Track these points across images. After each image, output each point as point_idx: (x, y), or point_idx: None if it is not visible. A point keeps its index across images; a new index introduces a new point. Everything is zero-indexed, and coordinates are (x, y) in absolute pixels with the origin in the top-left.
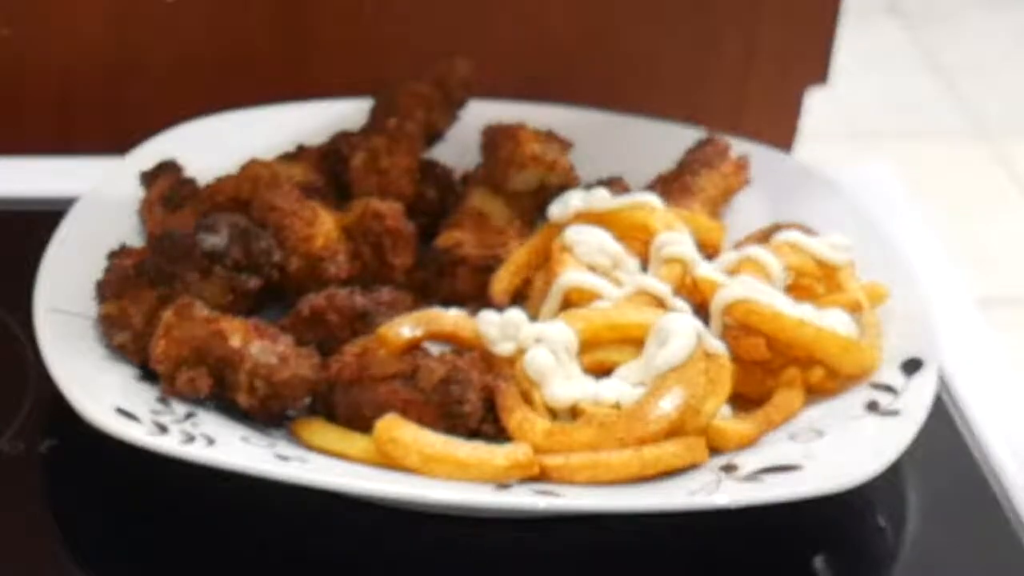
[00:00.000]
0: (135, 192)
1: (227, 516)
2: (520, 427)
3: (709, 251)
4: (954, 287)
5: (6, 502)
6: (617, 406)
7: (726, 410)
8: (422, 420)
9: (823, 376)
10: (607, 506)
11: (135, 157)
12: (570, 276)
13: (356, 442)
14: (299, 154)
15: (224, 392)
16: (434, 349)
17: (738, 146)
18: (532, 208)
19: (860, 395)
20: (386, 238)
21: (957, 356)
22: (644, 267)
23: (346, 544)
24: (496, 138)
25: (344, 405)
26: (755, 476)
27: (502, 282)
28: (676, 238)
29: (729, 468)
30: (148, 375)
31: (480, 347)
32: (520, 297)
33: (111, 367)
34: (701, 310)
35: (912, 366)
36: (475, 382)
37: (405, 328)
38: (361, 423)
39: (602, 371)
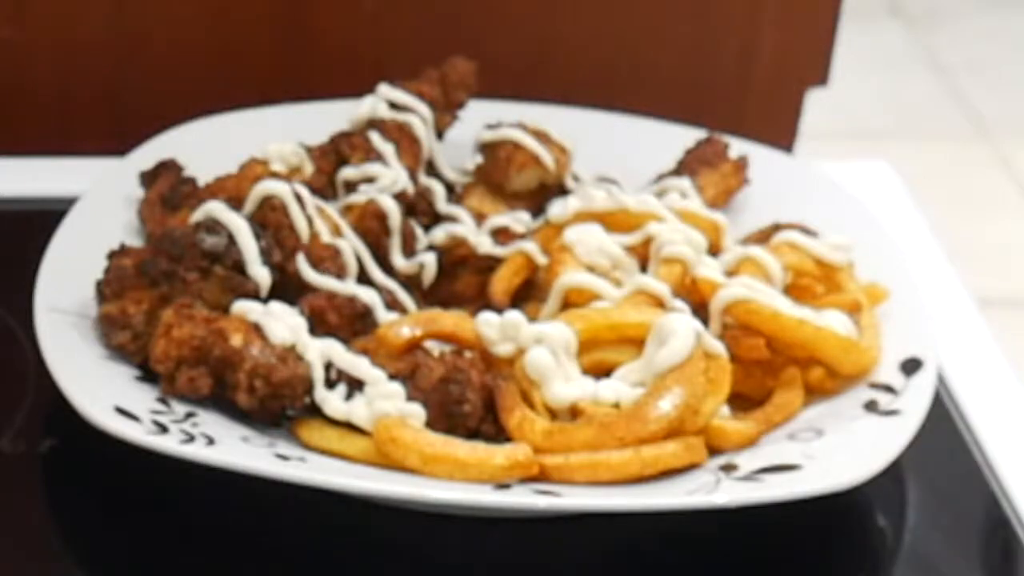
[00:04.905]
0: (135, 192)
1: (227, 516)
2: (520, 427)
3: (709, 251)
4: (954, 287)
5: (6, 502)
6: (617, 406)
7: (725, 410)
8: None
9: (823, 376)
10: (607, 506)
11: (135, 157)
12: (570, 276)
13: (356, 442)
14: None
15: (224, 392)
16: (435, 349)
17: (738, 146)
18: (532, 208)
19: (860, 395)
20: (386, 238)
21: (957, 356)
22: (644, 267)
23: (346, 544)
24: (496, 138)
25: None
26: (754, 476)
27: (502, 282)
28: (676, 238)
29: (728, 468)
30: (148, 375)
31: (480, 347)
32: (519, 298)
33: (111, 367)
34: (701, 310)
35: (911, 366)
36: (475, 382)
37: (405, 328)
38: None
39: (602, 371)
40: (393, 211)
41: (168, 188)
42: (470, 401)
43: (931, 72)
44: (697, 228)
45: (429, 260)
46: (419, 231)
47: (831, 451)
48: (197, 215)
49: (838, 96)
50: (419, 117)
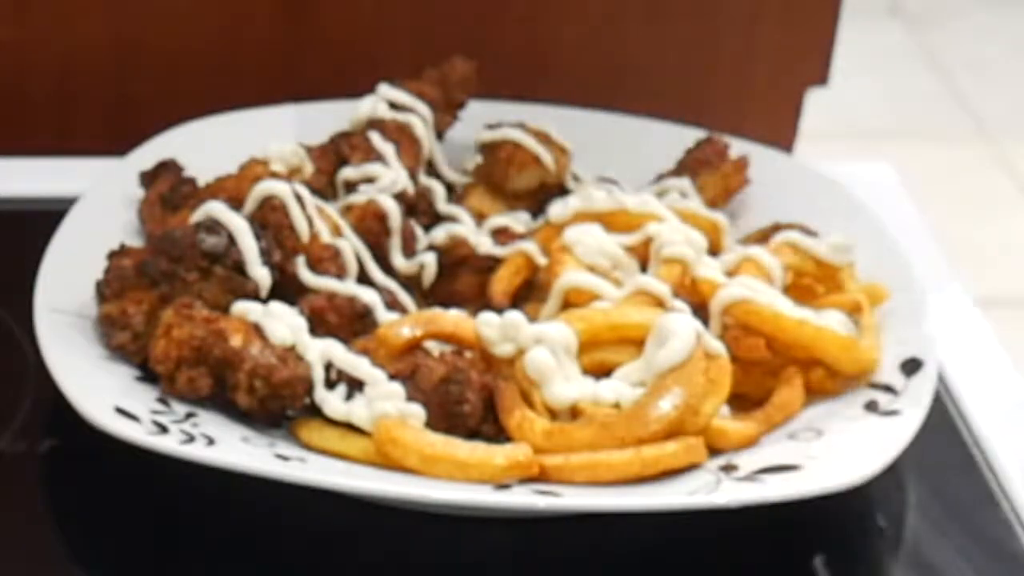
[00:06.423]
0: (135, 192)
1: (227, 516)
2: (520, 427)
3: (709, 251)
4: (954, 287)
5: (6, 502)
6: (617, 406)
7: (725, 410)
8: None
9: (823, 376)
10: (607, 506)
11: (135, 157)
12: (570, 276)
13: (356, 442)
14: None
15: (224, 392)
16: (435, 349)
17: (738, 146)
18: (532, 208)
19: (860, 395)
20: (386, 238)
21: (957, 356)
22: (644, 267)
23: (346, 544)
24: (496, 138)
25: None
26: (755, 476)
27: (502, 282)
28: (676, 238)
29: (729, 468)
30: (148, 375)
31: (480, 347)
32: (519, 298)
33: (111, 367)
34: (701, 310)
35: (912, 366)
36: (475, 382)
37: (405, 328)
38: None
39: (602, 371)
40: (393, 211)
41: (168, 188)
42: (470, 401)
43: (931, 72)
44: (697, 228)
45: (429, 260)
46: (419, 231)
47: (831, 451)
48: (197, 215)
49: (838, 96)
50: (419, 117)
